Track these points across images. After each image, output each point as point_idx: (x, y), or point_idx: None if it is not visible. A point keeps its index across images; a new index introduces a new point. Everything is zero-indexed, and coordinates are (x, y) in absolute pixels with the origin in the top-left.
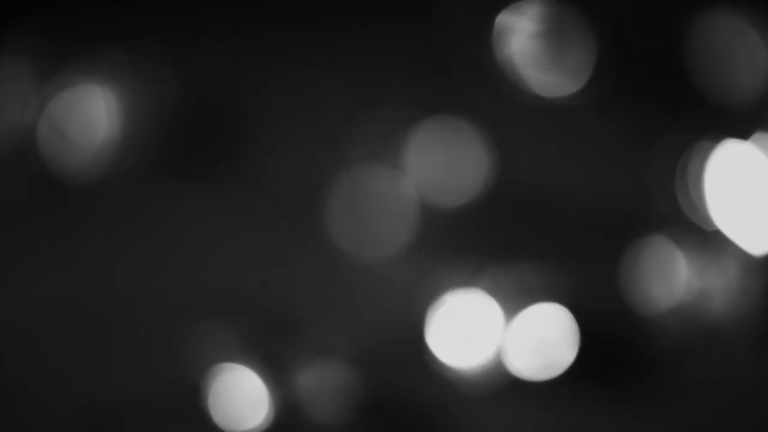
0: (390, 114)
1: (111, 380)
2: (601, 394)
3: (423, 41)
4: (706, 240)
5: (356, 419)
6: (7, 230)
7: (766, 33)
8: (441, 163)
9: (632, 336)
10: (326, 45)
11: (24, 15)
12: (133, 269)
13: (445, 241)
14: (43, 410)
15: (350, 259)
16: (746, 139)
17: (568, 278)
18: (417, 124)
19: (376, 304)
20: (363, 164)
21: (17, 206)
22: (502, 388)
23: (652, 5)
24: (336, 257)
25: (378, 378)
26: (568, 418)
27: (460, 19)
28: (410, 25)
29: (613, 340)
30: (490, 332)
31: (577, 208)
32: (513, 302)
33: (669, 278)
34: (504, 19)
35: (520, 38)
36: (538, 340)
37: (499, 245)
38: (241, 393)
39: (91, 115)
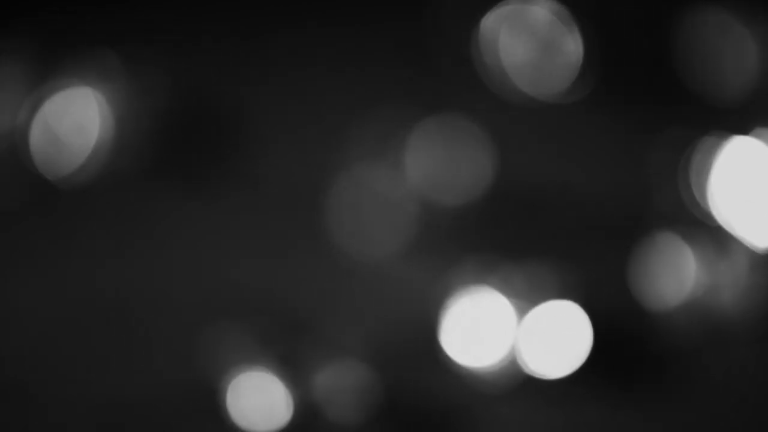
0: (389, 114)
1: (127, 382)
2: (612, 390)
3: (416, 41)
4: (714, 236)
5: (372, 419)
6: (4, 232)
7: (756, 29)
8: (442, 162)
9: (642, 333)
10: (323, 45)
11: (17, 18)
12: (137, 271)
13: (453, 240)
14: (57, 412)
15: (356, 258)
16: (741, 135)
17: (578, 276)
18: (416, 123)
19: (387, 303)
20: (363, 164)
21: (11, 209)
22: (515, 386)
23: (642, 2)
24: (341, 257)
25: (392, 377)
26: (580, 416)
27: (450, 19)
28: (404, 25)
29: (624, 336)
30: (503, 331)
31: (579, 206)
32: (525, 300)
33: (678, 275)
34: (494, 18)
35: (510, 37)
36: (551, 338)
37: (506, 244)
38: (258, 394)
39: (85, 117)
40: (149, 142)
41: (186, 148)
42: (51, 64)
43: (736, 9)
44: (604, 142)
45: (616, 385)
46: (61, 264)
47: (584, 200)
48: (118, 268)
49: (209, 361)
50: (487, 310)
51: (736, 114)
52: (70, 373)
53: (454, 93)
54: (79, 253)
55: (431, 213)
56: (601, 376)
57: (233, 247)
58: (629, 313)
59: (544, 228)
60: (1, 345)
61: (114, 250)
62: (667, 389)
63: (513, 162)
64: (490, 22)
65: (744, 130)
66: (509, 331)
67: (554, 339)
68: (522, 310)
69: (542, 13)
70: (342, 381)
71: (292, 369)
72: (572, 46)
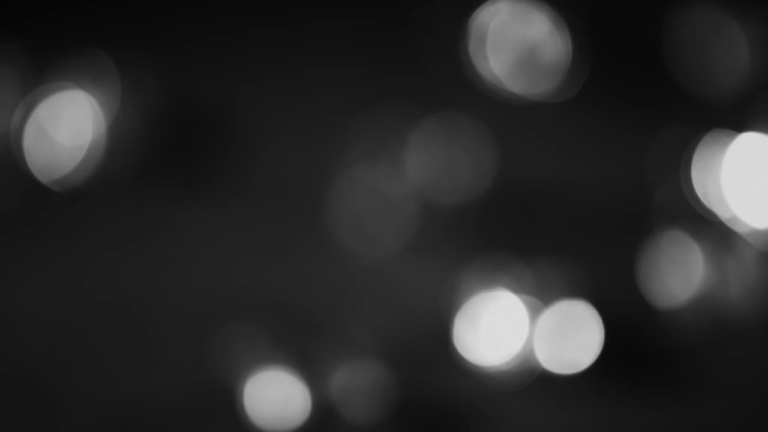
0: (387, 113)
1: (142, 383)
2: (623, 387)
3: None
4: (719, 232)
5: (386, 417)
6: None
7: (747, 25)
8: (441, 161)
9: (652, 329)
10: (321, 45)
11: (8, 21)
12: (138, 274)
13: (459, 239)
14: (72, 416)
15: (363, 258)
16: (735, 131)
17: (586, 273)
18: (415, 123)
19: (397, 302)
20: (363, 163)
21: (5, 212)
22: (527, 384)
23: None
24: (346, 256)
25: (405, 376)
26: (592, 413)
27: (440, 18)
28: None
29: (633, 333)
30: (515, 329)
31: (581, 204)
32: (536, 298)
33: (685, 271)
34: (482, 17)
35: (498, 37)
36: (562, 336)
37: (512, 242)
38: (273, 394)
39: (78, 120)
40: (143, 144)
41: (182, 149)
42: (44, 67)
43: (727, 5)
44: (600, 139)
45: (626, 382)
46: (61, 266)
47: (586, 198)
48: (119, 271)
49: (224, 362)
50: (498, 308)
51: (728, 110)
52: (80, 377)
53: (445, 92)
54: (77, 257)
55: (434, 212)
56: (611, 373)
57: (234, 248)
58: (637, 310)
59: (548, 226)
60: (7, 348)
61: (113, 252)
62: (677, 385)
63: (512, 161)
64: (480, 21)
65: (737, 126)
66: (521, 329)
67: (565, 336)
68: (533, 308)
69: (532, 11)
70: (357, 380)
71: (307, 369)
72: (562, 44)
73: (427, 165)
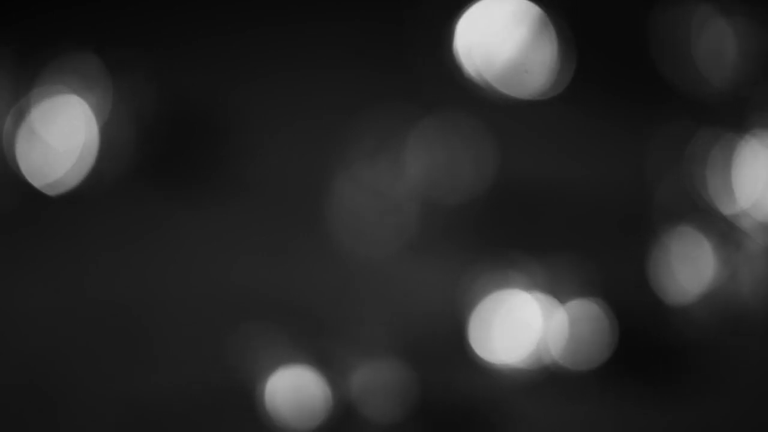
0: (387, 113)
1: (162, 383)
2: (637, 384)
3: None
4: (726, 227)
5: (405, 416)
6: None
7: (734, 21)
8: (441, 160)
9: (664, 326)
10: (318, 44)
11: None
12: (143, 275)
13: (467, 237)
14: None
15: (366, 257)
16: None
17: (595, 271)
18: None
19: (405, 302)
20: (363, 163)
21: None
22: (541, 381)
23: None
24: (348, 256)
25: (422, 374)
26: (606, 409)
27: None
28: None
29: (645, 330)
30: (528, 326)
31: (584, 203)
32: (549, 296)
33: (695, 267)
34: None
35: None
36: (574, 333)
37: (520, 241)
38: (293, 393)
39: (71, 123)
40: (142, 145)
41: (181, 150)
42: (35, 70)
43: (715, 1)
44: (600, 139)
45: (638, 379)
46: (61, 268)
47: (588, 197)
48: (119, 272)
49: (242, 362)
50: (511, 306)
51: (722, 106)
52: (83, 379)
53: (445, 91)
54: (77, 259)
55: (434, 211)
56: (623, 370)
57: (236, 249)
58: (648, 307)
59: (551, 225)
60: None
61: (114, 254)
62: (689, 382)
63: (512, 160)
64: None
65: (732, 120)
66: (534, 327)
67: (577, 334)
68: (545, 306)
69: (519, 9)
70: (375, 379)
71: (326, 368)
72: (550, 42)
73: (427, 165)
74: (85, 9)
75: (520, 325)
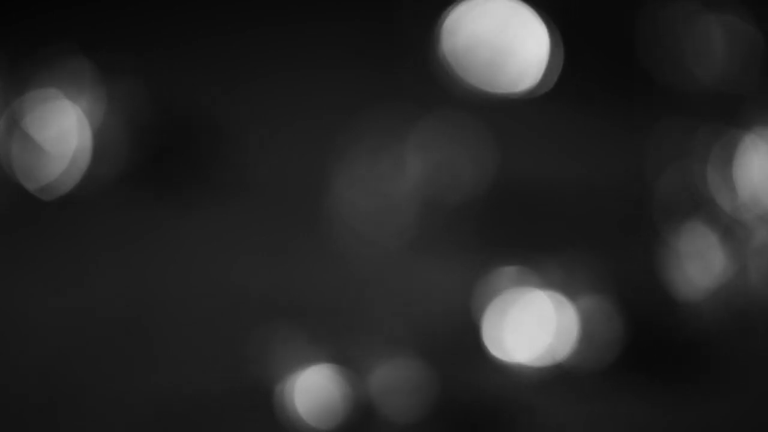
0: (387, 113)
1: (179, 384)
2: (650, 381)
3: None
4: (732, 220)
5: (423, 415)
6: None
7: (723, 17)
8: (442, 161)
9: (675, 322)
10: (316, 44)
11: None
12: (146, 278)
13: (462, 237)
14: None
15: (370, 257)
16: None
17: (606, 269)
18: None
19: (421, 301)
20: (363, 163)
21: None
22: (553, 379)
23: None
24: (350, 256)
25: (437, 374)
26: (620, 407)
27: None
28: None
29: (656, 327)
30: (540, 324)
31: (586, 201)
32: (561, 293)
33: (705, 262)
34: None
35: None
36: (585, 331)
37: (527, 239)
38: (312, 393)
39: (62, 126)
40: (137, 148)
41: (180, 151)
42: (27, 74)
43: None
44: (600, 139)
45: (651, 376)
46: (61, 269)
47: (590, 195)
48: (121, 275)
49: (263, 362)
50: (523, 304)
51: (715, 103)
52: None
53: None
54: (77, 261)
55: (435, 211)
56: (635, 367)
57: (237, 249)
58: (657, 304)
59: (557, 224)
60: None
61: (113, 257)
62: (701, 377)
63: (512, 159)
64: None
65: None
66: (546, 325)
67: (588, 332)
68: (557, 304)
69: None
70: (395, 379)
71: (347, 367)
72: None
73: (427, 164)
74: (77, 12)
75: (532, 323)
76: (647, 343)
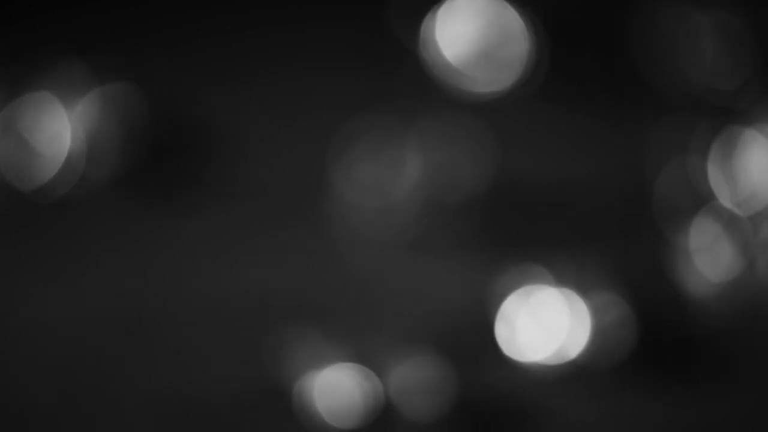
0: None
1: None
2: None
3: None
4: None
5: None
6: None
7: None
8: (442, 160)
9: (685, 319)
10: (320, 45)
11: None
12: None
13: (464, 237)
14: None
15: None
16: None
17: (611, 266)
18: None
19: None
20: (363, 163)
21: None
22: (568, 378)
23: None
24: (352, 256)
25: (457, 373)
26: (635, 406)
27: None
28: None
29: (667, 323)
30: (553, 322)
31: (589, 199)
32: (573, 291)
33: (714, 257)
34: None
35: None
36: (599, 328)
37: (524, 240)
38: (331, 393)
39: (55, 129)
40: (123, 151)
41: (180, 152)
42: (21, 76)
43: None
44: (600, 138)
45: (665, 372)
46: (60, 269)
47: (591, 193)
48: (123, 277)
49: (281, 362)
50: (535, 301)
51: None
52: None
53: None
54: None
55: (435, 211)
56: (647, 364)
57: (243, 252)
58: (665, 301)
59: (560, 223)
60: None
61: (115, 259)
62: (713, 374)
63: (512, 159)
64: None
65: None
66: (559, 323)
67: (601, 329)
68: (569, 301)
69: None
70: (413, 378)
71: (367, 366)
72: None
73: (427, 164)
74: (71, 14)
75: (545, 322)
76: (658, 341)
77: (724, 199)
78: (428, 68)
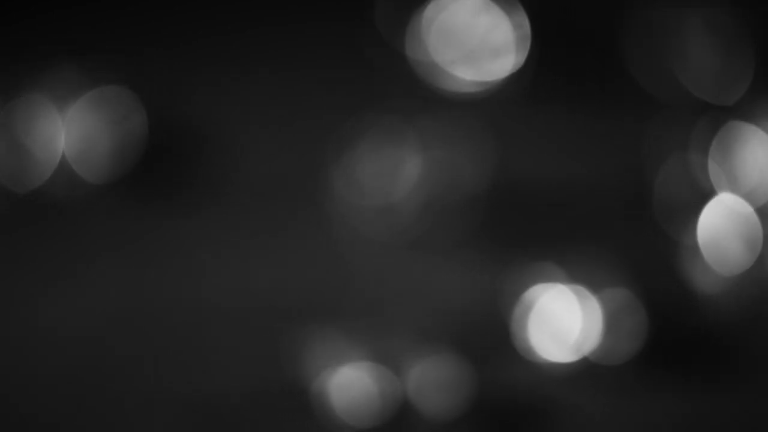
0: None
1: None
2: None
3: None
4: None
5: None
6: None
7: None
8: (442, 160)
9: (696, 314)
10: (320, 45)
11: None
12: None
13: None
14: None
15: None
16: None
17: (617, 264)
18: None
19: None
20: (362, 163)
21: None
22: (582, 375)
23: None
24: (352, 256)
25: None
26: (648, 400)
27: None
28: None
29: (678, 320)
30: (566, 320)
31: (589, 199)
32: (584, 288)
33: (723, 253)
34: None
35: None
36: (610, 325)
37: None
38: (348, 391)
39: (49, 131)
40: (122, 152)
41: (179, 152)
42: (14, 79)
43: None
44: (600, 138)
45: (675, 368)
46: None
47: (590, 192)
48: (125, 280)
49: (299, 361)
50: (547, 299)
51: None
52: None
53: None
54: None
55: (436, 211)
56: (659, 360)
57: (243, 252)
58: (681, 297)
59: (564, 222)
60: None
61: (116, 261)
62: (724, 369)
63: (513, 158)
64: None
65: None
66: (572, 320)
67: (612, 326)
68: (580, 299)
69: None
70: (432, 376)
71: (384, 365)
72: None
73: (427, 164)
74: (65, 15)
75: (557, 319)
76: (669, 337)
77: (726, 195)
78: (423, 68)
